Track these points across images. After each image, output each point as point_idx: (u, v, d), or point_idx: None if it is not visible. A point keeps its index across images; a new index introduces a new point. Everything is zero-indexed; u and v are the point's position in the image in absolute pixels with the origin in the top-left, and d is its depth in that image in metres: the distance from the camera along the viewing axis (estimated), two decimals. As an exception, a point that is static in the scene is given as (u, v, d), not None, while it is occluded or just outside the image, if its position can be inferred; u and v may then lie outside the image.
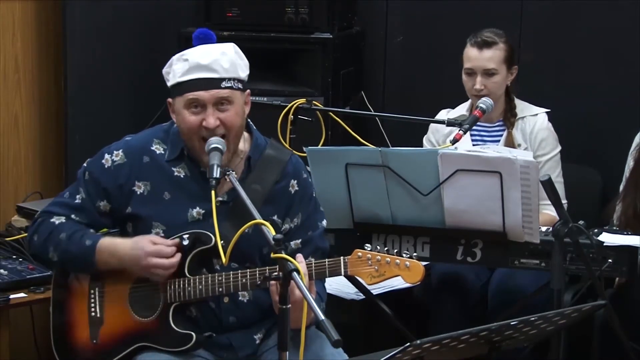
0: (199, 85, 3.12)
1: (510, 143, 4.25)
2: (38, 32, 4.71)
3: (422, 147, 4.37)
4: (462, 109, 4.35)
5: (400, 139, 4.76)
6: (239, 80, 3.16)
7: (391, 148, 4.36)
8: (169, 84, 3.19)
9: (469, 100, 4.34)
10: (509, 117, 4.30)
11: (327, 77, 4.69)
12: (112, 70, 4.87)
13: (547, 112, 4.31)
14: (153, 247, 3.11)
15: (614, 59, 4.67)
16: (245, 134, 3.26)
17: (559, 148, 4.29)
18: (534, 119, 4.29)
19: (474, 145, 4.27)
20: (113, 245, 3.19)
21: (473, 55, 4.25)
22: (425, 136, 4.40)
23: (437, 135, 4.34)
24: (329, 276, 3.11)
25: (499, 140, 4.30)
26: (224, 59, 3.13)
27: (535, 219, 3.58)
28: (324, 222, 3.34)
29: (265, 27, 4.70)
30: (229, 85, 3.14)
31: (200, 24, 4.73)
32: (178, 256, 3.13)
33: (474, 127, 4.31)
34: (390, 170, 3.66)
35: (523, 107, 4.33)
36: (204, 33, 3.20)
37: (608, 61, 4.68)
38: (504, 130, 4.31)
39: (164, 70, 3.20)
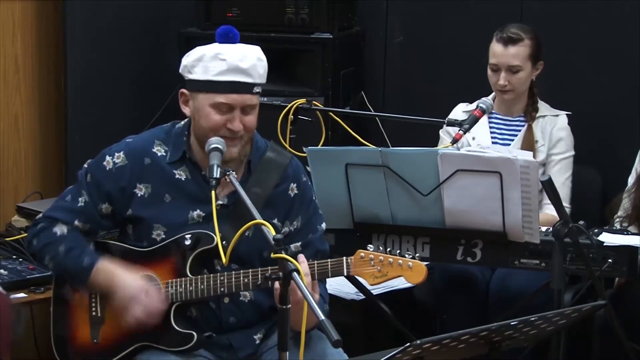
0: (233, 88, 3.10)
1: (529, 137, 4.24)
2: (38, 32, 4.71)
3: (422, 146, 4.35)
4: None
5: (400, 139, 4.76)
6: (262, 86, 3.19)
7: (391, 148, 4.35)
8: (193, 77, 3.14)
9: (491, 95, 4.30)
10: (530, 112, 4.29)
11: (327, 77, 4.69)
12: (112, 70, 4.87)
13: (567, 115, 4.31)
14: (145, 295, 3.13)
15: (614, 59, 4.67)
16: (246, 137, 3.26)
17: (573, 152, 4.29)
18: (555, 119, 4.29)
19: (492, 139, 4.27)
20: (111, 271, 3.18)
21: (498, 52, 4.24)
22: (441, 129, 4.37)
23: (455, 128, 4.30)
24: (332, 276, 3.12)
25: (517, 135, 4.29)
26: (259, 64, 3.14)
27: (535, 219, 3.58)
28: (323, 225, 3.34)
29: (265, 27, 4.70)
30: (258, 90, 3.16)
31: (200, 24, 4.75)
32: (161, 311, 3.14)
33: (493, 120, 4.32)
34: (390, 170, 3.66)
35: (544, 108, 4.33)
36: (231, 31, 3.15)
37: (608, 61, 4.68)
38: (523, 125, 4.30)
39: (188, 63, 3.14)
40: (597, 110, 4.70)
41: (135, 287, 3.13)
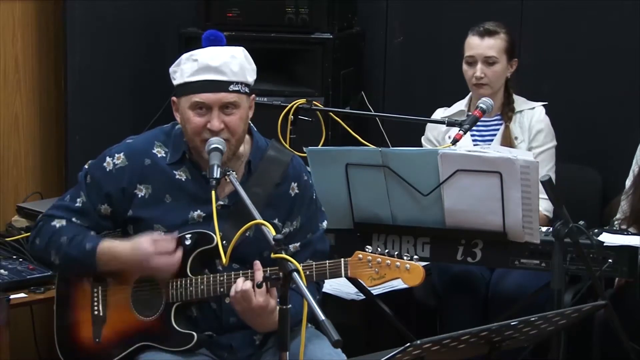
0: (206, 87, 3.10)
1: (507, 137, 4.24)
2: (38, 32, 4.71)
3: (422, 146, 4.37)
4: (459, 106, 4.34)
5: (400, 139, 4.76)
6: (246, 85, 3.15)
7: (391, 148, 4.35)
8: (175, 82, 3.17)
9: (466, 97, 4.33)
10: (507, 112, 4.30)
11: (327, 77, 4.69)
12: (112, 70, 4.87)
13: (544, 105, 4.31)
14: (155, 247, 3.10)
15: (614, 59, 4.67)
16: (246, 137, 3.25)
17: (554, 143, 4.29)
18: (532, 112, 4.30)
19: (473, 140, 4.27)
20: (113, 248, 3.17)
21: (474, 44, 4.25)
22: (423, 137, 4.39)
23: (434, 133, 4.33)
24: (330, 278, 3.11)
25: (495, 135, 4.29)
26: (233, 62, 3.12)
27: (536, 219, 3.58)
28: (325, 223, 3.33)
29: (265, 27, 4.70)
30: (237, 89, 3.13)
31: (200, 24, 4.75)
32: (180, 252, 3.12)
33: None
34: (390, 170, 3.66)
35: (520, 102, 4.33)
36: (214, 34, 3.17)
37: (608, 61, 4.68)
38: (501, 124, 4.30)
39: (171, 69, 3.18)
40: (597, 110, 4.70)
41: (141, 254, 3.11)
